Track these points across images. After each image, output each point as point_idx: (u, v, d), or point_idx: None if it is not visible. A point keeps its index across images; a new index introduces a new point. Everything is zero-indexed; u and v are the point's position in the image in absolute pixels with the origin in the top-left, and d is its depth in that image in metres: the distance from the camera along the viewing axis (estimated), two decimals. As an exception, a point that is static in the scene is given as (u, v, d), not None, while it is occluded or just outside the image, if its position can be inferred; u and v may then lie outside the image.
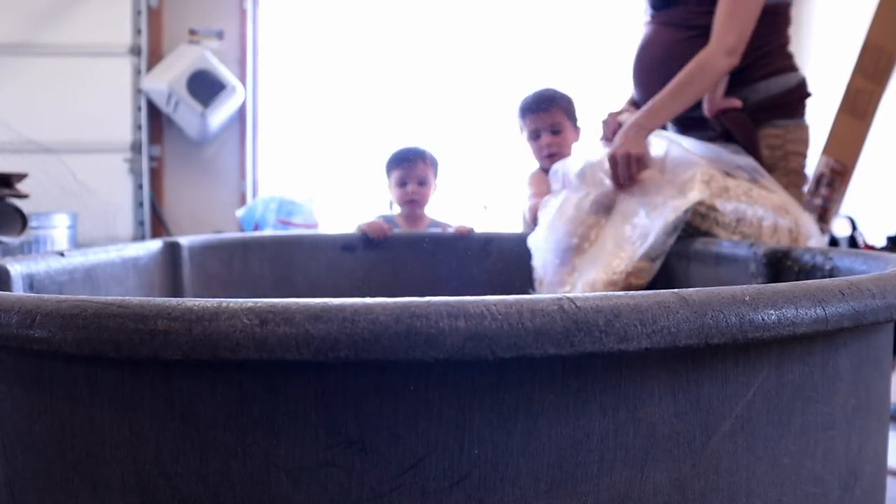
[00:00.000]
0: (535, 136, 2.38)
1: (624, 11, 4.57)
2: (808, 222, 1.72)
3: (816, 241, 1.70)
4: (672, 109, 1.83)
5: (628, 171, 1.78)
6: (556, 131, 2.36)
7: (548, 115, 2.35)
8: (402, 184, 2.54)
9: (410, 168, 2.53)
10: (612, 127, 1.97)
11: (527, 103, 2.39)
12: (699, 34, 1.91)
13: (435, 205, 2.63)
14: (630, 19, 4.46)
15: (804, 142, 1.97)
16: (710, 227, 1.65)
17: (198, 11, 4.66)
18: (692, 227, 1.67)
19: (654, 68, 1.98)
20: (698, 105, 1.93)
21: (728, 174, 1.75)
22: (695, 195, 1.65)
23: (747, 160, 1.83)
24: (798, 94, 1.96)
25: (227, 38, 4.68)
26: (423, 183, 2.54)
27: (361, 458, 0.59)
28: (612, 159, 1.79)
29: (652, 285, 1.68)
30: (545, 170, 2.37)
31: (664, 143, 1.83)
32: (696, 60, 1.81)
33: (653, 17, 2.01)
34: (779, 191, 1.76)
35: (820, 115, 3.72)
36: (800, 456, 0.69)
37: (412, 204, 2.54)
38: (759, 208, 1.67)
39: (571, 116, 2.39)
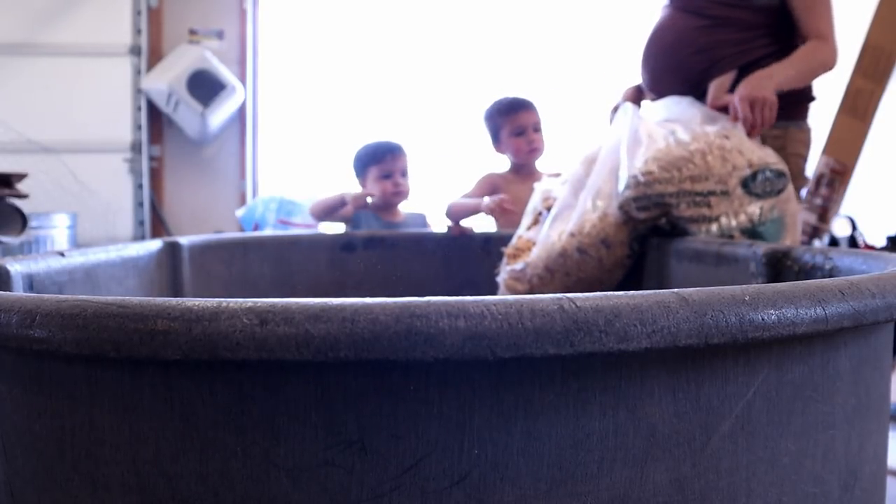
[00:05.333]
0: (518, 131, 2.45)
1: (615, 14, 4.57)
2: (755, 146, 1.70)
3: (758, 156, 1.68)
4: (790, 82, 1.84)
5: (762, 115, 1.77)
6: (537, 129, 2.47)
7: (532, 114, 2.46)
8: (385, 176, 2.52)
9: (395, 160, 2.53)
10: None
11: (509, 102, 2.49)
12: (714, 24, 1.90)
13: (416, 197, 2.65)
14: (619, 21, 4.48)
15: (805, 144, 1.96)
16: (667, 187, 1.64)
17: (198, 11, 4.65)
18: (658, 195, 1.66)
19: (664, 54, 1.98)
20: (702, 98, 1.92)
21: (674, 132, 1.73)
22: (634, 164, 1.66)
23: (713, 115, 1.82)
24: (802, 97, 1.95)
25: (227, 38, 4.67)
26: (405, 174, 2.54)
27: (361, 458, 0.59)
28: (749, 101, 1.76)
29: (651, 285, 1.68)
30: (518, 168, 2.49)
31: (627, 121, 1.82)
32: (821, 55, 1.85)
33: (671, 0, 2.01)
34: (736, 129, 1.74)
35: (820, 116, 3.71)
36: (800, 456, 0.69)
37: (398, 196, 2.53)
38: (692, 142, 1.65)
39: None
